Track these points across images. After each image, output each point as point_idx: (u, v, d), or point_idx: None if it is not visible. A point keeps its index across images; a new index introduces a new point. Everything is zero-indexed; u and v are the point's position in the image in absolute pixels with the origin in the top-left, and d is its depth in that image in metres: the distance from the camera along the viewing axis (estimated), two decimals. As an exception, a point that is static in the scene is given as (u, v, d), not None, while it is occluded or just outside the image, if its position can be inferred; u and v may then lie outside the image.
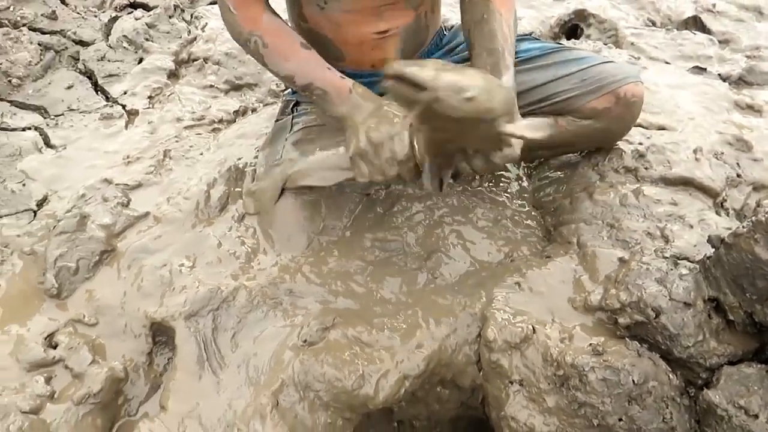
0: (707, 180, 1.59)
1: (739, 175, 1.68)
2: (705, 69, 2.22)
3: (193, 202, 1.59)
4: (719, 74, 2.21)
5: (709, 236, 1.24)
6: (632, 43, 2.40)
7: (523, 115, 1.34)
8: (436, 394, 1.39)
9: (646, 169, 1.63)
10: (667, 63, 2.28)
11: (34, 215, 1.57)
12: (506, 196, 1.70)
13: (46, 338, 1.31)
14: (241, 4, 1.36)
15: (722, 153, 1.70)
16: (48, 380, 1.23)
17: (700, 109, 1.90)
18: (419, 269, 1.47)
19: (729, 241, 1.18)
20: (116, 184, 1.64)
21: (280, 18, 1.41)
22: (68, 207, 1.55)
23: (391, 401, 1.30)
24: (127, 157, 1.73)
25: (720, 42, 2.44)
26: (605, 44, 2.39)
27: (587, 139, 1.58)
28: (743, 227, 1.16)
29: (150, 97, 2.03)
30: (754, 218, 1.13)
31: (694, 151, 1.66)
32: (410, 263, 1.48)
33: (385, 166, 1.23)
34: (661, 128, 1.78)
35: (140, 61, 2.20)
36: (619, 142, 1.66)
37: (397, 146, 1.21)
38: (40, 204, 1.60)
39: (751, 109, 1.93)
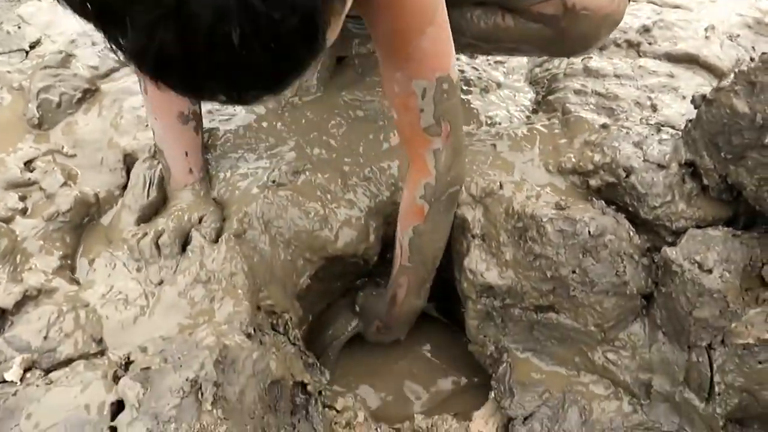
0: (714, 59, 1.50)
1: (752, 59, 1.57)
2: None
3: (181, 52, 1.58)
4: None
5: (693, 96, 1.17)
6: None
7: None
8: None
9: (650, 44, 1.54)
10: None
11: (26, 55, 1.59)
12: (502, 71, 1.65)
13: (25, 163, 1.35)
14: None
15: (738, 35, 1.59)
16: (22, 198, 1.27)
17: (724, -8, 1.77)
18: (392, 127, 1.44)
19: (710, 97, 1.11)
20: (107, 31, 1.64)
21: None
22: (58, 49, 1.56)
23: (353, 250, 1.31)
24: (121, 7, 1.72)
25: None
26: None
27: (536, 47, 1.33)
28: (726, 81, 1.09)
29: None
30: (736, 69, 1.06)
31: (706, 30, 1.56)
32: (387, 122, 1.45)
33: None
34: (676, 7, 1.67)
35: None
36: (625, 16, 1.57)
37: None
38: (33, 45, 1.62)
39: (781, -5, 1.79)
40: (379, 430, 1.29)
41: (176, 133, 1.28)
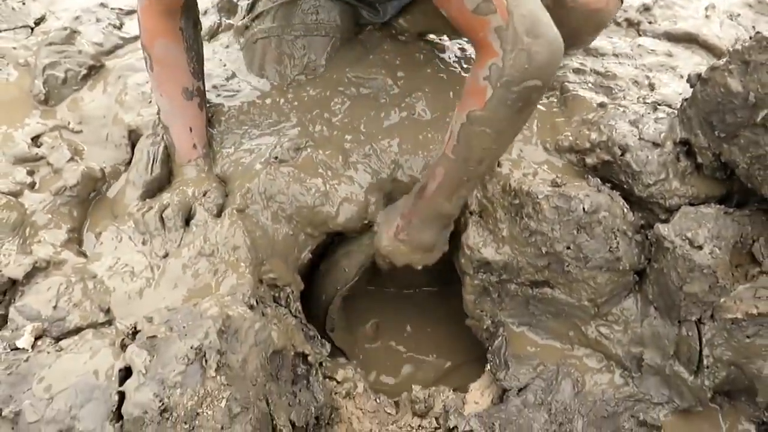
0: (713, 38, 1.50)
1: (751, 38, 1.57)
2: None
3: (184, 28, 1.60)
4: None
5: (688, 75, 1.19)
6: None
7: None
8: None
9: (650, 23, 1.55)
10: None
11: (32, 31, 1.61)
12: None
13: (32, 139, 1.37)
14: (145, 11, 1.24)
15: (738, 14, 1.60)
16: (30, 173, 1.30)
17: (727, -29, 1.77)
18: (397, 106, 1.46)
19: (705, 76, 1.13)
20: (111, 8, 1.65)
21: (184, 43, 1.28)
22: (63, 26, 1.58)
23: (354, 225, 1.33)
24: (125, -16, 1.74)
25: None
26: None
27: None
28: (721, 60, 1.11)
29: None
30: (731, 48, 1.08)
31: (706, 9, 1.56)
32: (389, 100, 1.47)
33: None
34: (677, -15, 1.67)
35: None
36: (626, -6, 1.57)
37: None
38: (38, 22, 1.63)
39: (786, -26, 1.78)
40: (378, 400, 1.33)
41: (181, 108, 1.30)
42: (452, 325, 1.52)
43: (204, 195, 1.24)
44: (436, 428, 1.26)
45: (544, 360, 1.27)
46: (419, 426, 1.27)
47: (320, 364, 1.28)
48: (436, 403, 1.27)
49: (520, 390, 1.25)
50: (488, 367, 1.31)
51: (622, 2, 1.25)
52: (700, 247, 1.09)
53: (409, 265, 1.28)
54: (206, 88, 1.43)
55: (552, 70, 1.01)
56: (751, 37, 1.07)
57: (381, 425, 1.29)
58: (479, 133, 1.06)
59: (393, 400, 1.36)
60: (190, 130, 1.32)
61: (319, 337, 1.33)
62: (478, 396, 1.31)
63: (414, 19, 1.56)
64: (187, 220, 1.22)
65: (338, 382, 1.31)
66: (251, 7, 1.56)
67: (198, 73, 1.33)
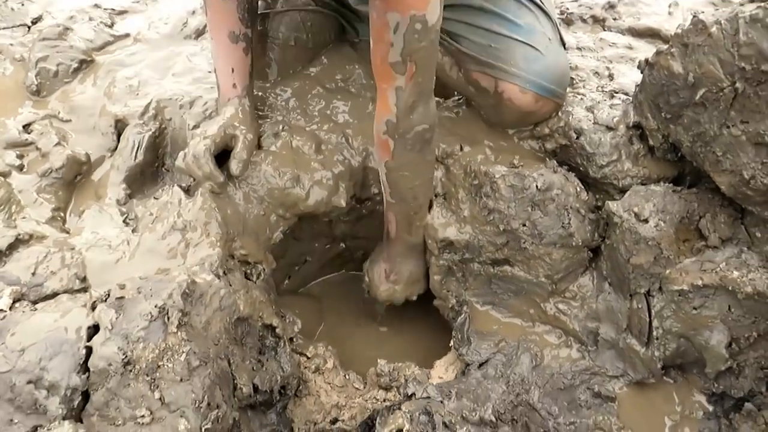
0: (675, 33, 1.56)
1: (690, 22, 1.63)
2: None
3: (172, 27, 1.69)
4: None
5: (639, 61, 1.25)
6: None
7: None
8: (370, 208, 1.48)
9: (614, 19, 1.62)
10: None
11: (28, 29, 1.71)
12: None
13: (24, 126, 1.46)
14: None
15: (702, 12, 1.65)
16: (20, 156, 1.39)
17: (695, -27, 1.83)
18: (372, 98, 1.53)
19: (651, 61, 1.19)
20: (104, 9, 1.75)
21: None
22: (57, 23, 1.67)
23: (324, 209, 1.39)
24: (118, -14, 1.84)
25: None
26: None
27: (474, 103, 1.42)
28: (665, 45, 1.17)
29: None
30: (671, 33, 1.14)
31: (669, 6, 1.63)
32: (364, 92, 1.54)
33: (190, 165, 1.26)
34: (644, -15, 1.74)
35: None
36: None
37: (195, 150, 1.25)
38: (35, 21, 1.73)
39: (751, -24, 1.85)
40: (347, 376, 1.38)
41: (226, 50, 1.35)
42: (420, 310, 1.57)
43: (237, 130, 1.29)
44: (400, 401, 1.31)
45: (506, 336, 1.32)
46: (384, 399, 1.32)
47: (291, 339, 1.33)
48: (401, 376, 1.32)
49: (481, 364, 1.29)
50: (452, 343, 1.35)
51: (560, 107, 1.34)
52: (646, 221, 1.14)
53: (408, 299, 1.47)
54: (189, 82, 1.51)
55: (434, 120, 1.21)
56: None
57: (348, 398, 1.33)
58: (400, 177, 1.26)
59: (362, 377, 1.41)
60: (232, 70, 1.36)
61: (290, 317, 1.38)
62: (443, 371, 1.36)
63: None
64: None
65: (308, 358, 1.36)
66: None
67: (247, 21, 1.36)
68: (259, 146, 1.38)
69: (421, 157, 1.25)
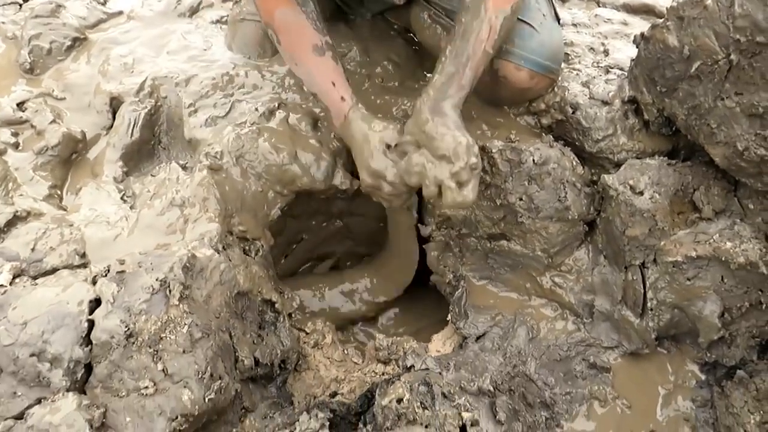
0: (670, 9, 1.57)
1: (708, 11, 1.64)
2: None
3: (165, 5, 1.68)
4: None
5: (634, 36, 1.26)
6: None
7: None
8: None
9: (609, -4, 1.62)
10: None
11: (20, 7, 1.69)
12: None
13: (18, 104, 1.45)
14: None
15: (696, -12, 1.66)
16: (15, 135, 1.38)
17: (688, -49, 1.83)
18: (367, 75, 1.53)
19: (647, 35, 1.19)
20: (96, -13, 1.73)
21: (298, 5, 1.28)
22: (49, 1, 1.66)
23: (321, 186, 1.40)
24: (111, -35, 1.81)
25: None
26: None
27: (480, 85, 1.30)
28: (660, 19, 1.17)
29: None
30: (667, 6, 1.15)
31: (664, -18, 1.63)
32: (360, 69, 1.54)
33: (389, 197, 1.23)
34: (638, -38, 1.74)
35: None
36: (587, -30, 1.65)
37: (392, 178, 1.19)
38: (26, -1, 1.71)
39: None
40: (346, 351, 1.40)
41: (317, 66, 1.29)
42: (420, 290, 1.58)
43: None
44: (398, 374, 1.32)
45: (503, 310, 1.34)
46: (383, 372, 1.33)
47: (290, 315, 1.35)
48: (399, 350, 1.34)
49: (478, 337, 1.31)
50: (449, 317, 1.37)
51: (555, 83, 1.34)
52: (641, 193, 1.16)
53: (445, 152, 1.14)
54: (184, 59, 1.51)
55: None
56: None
57: (347, 372, 1.35)
58: (512, 21, 1.22)
59: (360, 351, 1.42)
60: (333, 84, 1.28)
61: (289, 293, 1.39)
62: (440, 345, 1.38)
63: (399, 16, 1.61)
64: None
65: (307, 333, 1.38)
66: None
67: (321, 29, 1.30)
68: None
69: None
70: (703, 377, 1.24)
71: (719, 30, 1.03)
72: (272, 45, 1.52)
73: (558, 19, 1.39)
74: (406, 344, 1.36)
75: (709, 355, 1.22)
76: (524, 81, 1.31)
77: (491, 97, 1.38)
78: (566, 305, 1.31)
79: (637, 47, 1.25)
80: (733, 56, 1.02)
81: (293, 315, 1.36)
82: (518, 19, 1.29)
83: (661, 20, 1.16)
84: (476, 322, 1.32)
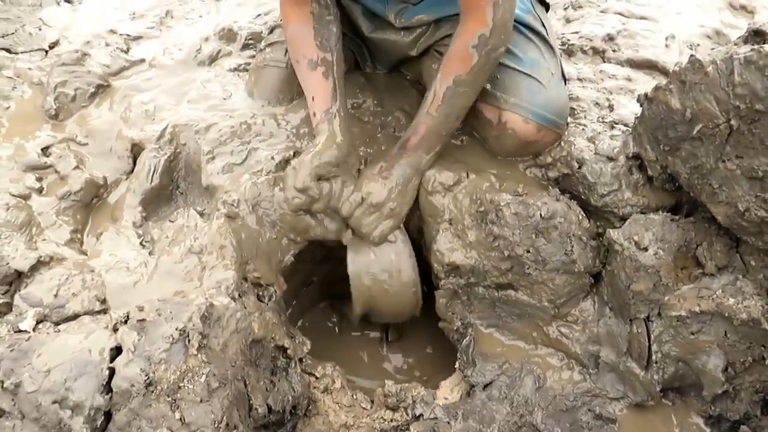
0: (672, 65, 1.62)
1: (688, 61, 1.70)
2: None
3: (186, 53, 1.75)
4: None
5: (638, 95, 1.30)
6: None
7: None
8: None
9: (614, 51, 1.68)
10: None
11: (46, 54, 1.76)
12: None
13: (42, 149, 1.50)
14: (282, 2, 1.44)
15: (698, 45, 1.73)
16: (39, 179, 1.43)
17: (690, 6, 1.90)
18: (380, 125, 1.58)
19: (651, 96, 1.24)
20: (120, 34, 1.80)
21: (313, 23, 1.40)
22: (74, 48, 1.72)
23: (333, 237, 1.43)
24: (133, 13, 1.89)
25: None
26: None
27: (477, 135, 1.49)
28: (663, 81, 1.22)
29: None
30: (671, 70, 1.20)
31: (667, 39, 1.69)
32: (373, 119, 1.59)
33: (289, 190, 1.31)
34: (642, 17, 1.80)
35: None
36: (592, 25, 1.71)
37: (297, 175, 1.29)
38: (52, 46, 1.79)
39: (744, 9, 1.92)
40: (355, 396, 1.42)
41: (306, 79, 1.41)
42: (426, 330, 1.61)
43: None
44: (407, 421, 1.34)
45: (510, 359, 1.36)
46: (392, 419, 1.35)
47: (300, 360, 1.37)
48: (408, 397, 1.36)
49: (485, 386, 1.33)
50: (457, 365, 1.39)
51: (561, 138, 1.40)
52: (646, 249, 1.19)
53: (379, 232, 1.36)
54: (204, 108, 1.56)
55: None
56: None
57: (356, 418, 1.37)
58: (462, 93, 1.30)
59: (369, 397, 1.44)
60: (313, 99, 1.39)
61: (300, 337, 1.42)
62: (448, 392, 1.40)
63: (412, 67, 1.67)
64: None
65: (317, 378, 1.40)
66: (270, 31, 1.72)
67: (326, 47, 1.40)
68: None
69: (485, 81, 1.34)
70: (707, 430, 1.25)
71: (720, 96, 1.08)
72: (291, 92, 1.59)
73: (564, 78, 1.45)
74: (414, 391, 1.39)
75: (713, 408, 1.24)
76: (531, 134, 1.36)
77: (499, 147, 1.43)
78: (572, 355, 1.33)
79: (641, 106, 1.30)
80: (733, 121, 1.07)
81: (303, 360, 1.39)
82: (528, 75, 1.37)
83: (664, 82, 1.21)
84: (484, 370, 1.34)
